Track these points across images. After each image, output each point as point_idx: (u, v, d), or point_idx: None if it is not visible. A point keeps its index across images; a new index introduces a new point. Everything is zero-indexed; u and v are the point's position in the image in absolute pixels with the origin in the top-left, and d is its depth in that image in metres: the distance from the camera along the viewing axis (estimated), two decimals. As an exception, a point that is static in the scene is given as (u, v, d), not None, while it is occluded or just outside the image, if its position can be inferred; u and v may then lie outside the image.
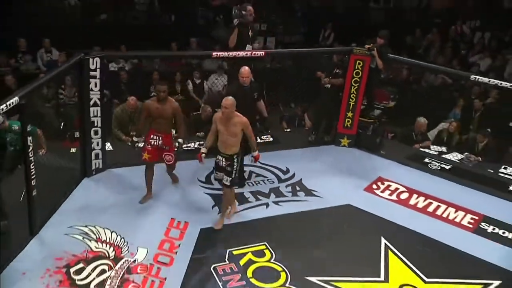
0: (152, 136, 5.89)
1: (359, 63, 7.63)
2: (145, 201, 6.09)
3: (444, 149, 8.34)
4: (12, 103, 4.63)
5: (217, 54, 6.83)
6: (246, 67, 6.34)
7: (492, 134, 8.62)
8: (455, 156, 8.10)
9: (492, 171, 7.74)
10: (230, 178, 5.67)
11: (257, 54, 7.06)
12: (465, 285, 5.26)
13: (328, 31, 12.78)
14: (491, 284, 5.29)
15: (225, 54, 6.89)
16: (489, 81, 6.98)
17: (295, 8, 14.07)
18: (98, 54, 6.15)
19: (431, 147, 8.41)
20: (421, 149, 8.28)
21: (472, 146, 8.26)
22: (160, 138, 5.88)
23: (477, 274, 5.45)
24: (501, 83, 6.98)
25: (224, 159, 5.55)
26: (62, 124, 8.31)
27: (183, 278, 5.02)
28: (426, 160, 7.90)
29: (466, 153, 8.10)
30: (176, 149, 6.00)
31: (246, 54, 6.93)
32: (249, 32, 7.11)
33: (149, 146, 5.88)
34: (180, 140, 6.00)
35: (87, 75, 6.06)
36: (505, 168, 7.75)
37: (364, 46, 7.61)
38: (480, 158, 8.01)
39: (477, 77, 7.22)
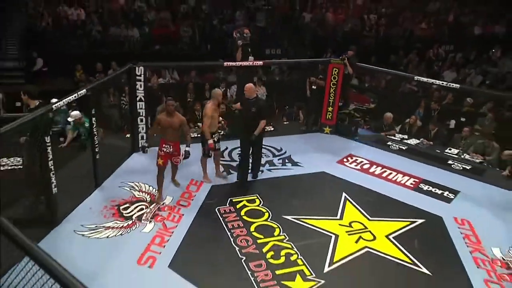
0: (164, 145, 5.87)
1: (335, 70, 8.03)
2: (159, 201, 5.97)
3: (405, 136, 8.62)
4: (82, 93, 5.64)
5: (227, 64, 7.51)
6: (250, 84, 6.46)
7: (445, 125, 9.10)
8: (413, 141, 8.42)
9: (439, 151, 8.07)
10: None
11: (257, 64, 7.66)
12: (397, 222, 5.80)
13: (329, 54, 13.06)
14: (416, 221, 5.85)
15: (233, 63, 7.50)
16: (427, 80, 7.53)
17: (304, 37, 14.33)
18: (141, 64, 6.85)
19: (396, 135, 8.66)
20: (387, 136, 8.58)
21: (427, 134, 8.56)
22: (171, 146, 5.88)
23: (408, 215, 5.99)
24: (435, 81, 7.50)
25: (217, 135, 6.29)
26: (123, 121, 9.13)
27: (195, 214, 5.74)
28: (389, 143, 8.26)
29: (422, 139, 8.44)
30: (184, 157, 5.95)
31: (249, 63, 7.55)
32: (249, 49, 7.66)
33: (162, 153, 5.89)
34: (187, 149, 5.91)
35: (134, 78, 6.80)
36: (449, 149, 8.08)
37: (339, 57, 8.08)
38: (431, 143, 8.36)
39: (419, 77, 7.78)
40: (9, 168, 6.46)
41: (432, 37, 15.17)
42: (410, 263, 5.05)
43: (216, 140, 6.26)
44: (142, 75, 6.87)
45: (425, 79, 7.61)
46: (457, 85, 7.32)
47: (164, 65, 9.54)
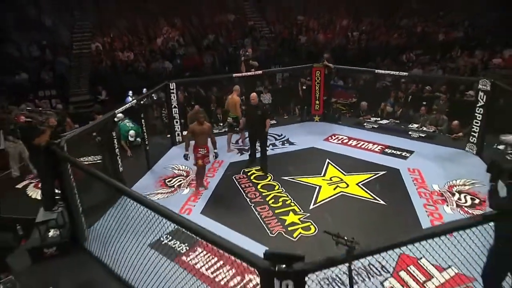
0: (199, 149, 6.06)
1: (317, 72, 8.69)
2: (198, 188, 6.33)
3: (378, 118, 9.25)
4: (133, 102, 6.73)
5: (235, 75, 8.32)
6: (254, 93, 7.09)
7: (412, 107, 9.68)
8: (384, 121, 9.04)
9: (403, 126, 8.69)
10: None
11: (257, 73, 8.49)
12: (365, 174, 6.56)
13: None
14: (379, 173, 6.60)
15: (239, 74, 8.33)
16: (384, 72, 8.28)
17: (300, 54, 14.74)
18: (173, 81, 7.81)
19: (372, 118, 9.28)
20: (364, 119, 9.22)
21: (394, 115, 9.24)
22: (204, 149, 6.11)
23: (374, 169, 6.72)
24: (393, 72, 8.19)
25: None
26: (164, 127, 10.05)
27: (218, 181, 6.65)
28: (365, 124, 8.90)
29: (391, 119, 9.10)
30: (215, 157, 6.46)
31: (252, 74, 8.46)
32: (250, 62, 8.59)
33: (199, 155, 6.08)
34: (216, 151, 6.30)
35: (169, 91, 7.74)
36: (411, 125, 8.70)
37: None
38: (398, 121, 9.01)
39: (379, 70, 8.53)
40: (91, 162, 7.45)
41: (404, 45, 15.63)
42: (372, 199, 5.86)
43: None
44: (175, 89, 7.83)
45: (382, 71, 8.43)
46: (405, 73, 8.07)
47: (188, 80, 10.32)
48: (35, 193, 6.55)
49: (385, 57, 14.76)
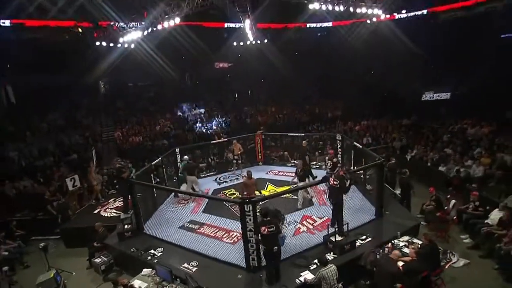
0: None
1: (258, 137, 11.36)
2: None
3: (295, 160, 12.03)
4: (158, 161, 9.05)
5: (212, 142, 10.99)
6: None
7: (312, 153, 12.64)
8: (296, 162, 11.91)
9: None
10: None
11: (224, 140, 11.14)
12: (286, 186, 9.14)
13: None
14: (294, 185, 9.26)
15: (215, 141, 10.96)
16: (292, 134, 11.38)
17: (248, 129, 17.20)
18: (177, 147, 10.03)
19: (291, 161, 11.83)
20: (286, 162, 11.85)
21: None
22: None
23: (290, 184, 9.40)
24: (296, 134, 11.29)
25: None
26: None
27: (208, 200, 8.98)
28: (288, 164, 11.35)
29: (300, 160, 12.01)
30: None
31: (221, 140, 11.07)
32: (219, 133, 11.17)
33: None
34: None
35: (175, 154, 9.88)
36: (312, 162, 11.49)
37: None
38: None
39: (290, 133, 11.63)
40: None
41: (309, 121, 19.07)
42: (290, 197, 8.36)
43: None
44: (178, 152, 10.10)
45: (292, 134, 11.51)
46: (303, 134, 11.17)
47: (184, 147, 11.72)
48: (106, 214, 8.43)
49: (299, 128, 18.14)
